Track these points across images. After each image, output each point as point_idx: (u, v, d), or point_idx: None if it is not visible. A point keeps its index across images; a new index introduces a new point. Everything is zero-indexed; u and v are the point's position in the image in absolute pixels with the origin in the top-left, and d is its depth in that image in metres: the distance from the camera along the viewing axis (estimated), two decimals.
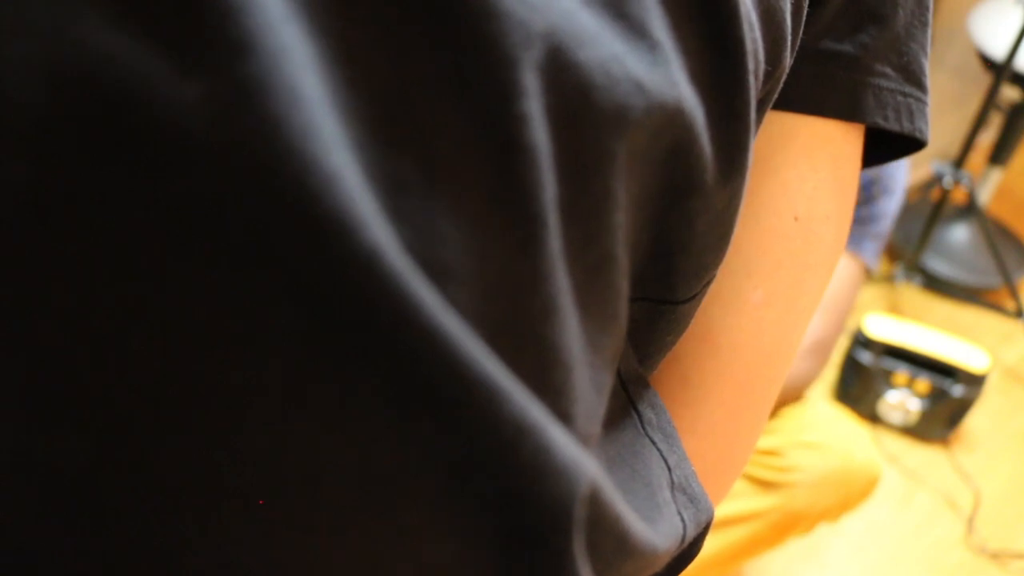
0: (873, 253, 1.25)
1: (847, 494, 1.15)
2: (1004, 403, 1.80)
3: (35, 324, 0.22)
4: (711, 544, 1.14)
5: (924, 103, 0.39)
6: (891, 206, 1.26)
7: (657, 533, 0.32)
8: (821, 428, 1.17)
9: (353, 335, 0.23)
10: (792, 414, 1.19)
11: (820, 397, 1.73)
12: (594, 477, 0.27)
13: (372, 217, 0.22)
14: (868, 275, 1.29)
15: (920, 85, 0.39)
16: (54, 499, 0.23)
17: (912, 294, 2.00)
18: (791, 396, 1.19)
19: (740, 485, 1.15)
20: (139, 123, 0.21)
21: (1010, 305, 1.93)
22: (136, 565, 0.24)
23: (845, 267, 1.23)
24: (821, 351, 1.21)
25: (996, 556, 1.54)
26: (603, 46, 0.26)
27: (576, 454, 0.26)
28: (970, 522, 1.59)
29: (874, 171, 1.24)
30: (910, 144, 0.40)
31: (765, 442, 1.15)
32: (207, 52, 0.21)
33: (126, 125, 0.21)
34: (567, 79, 0.25)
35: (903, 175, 1.29)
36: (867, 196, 1.24)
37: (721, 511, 1.12)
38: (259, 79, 0.21)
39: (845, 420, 1.21)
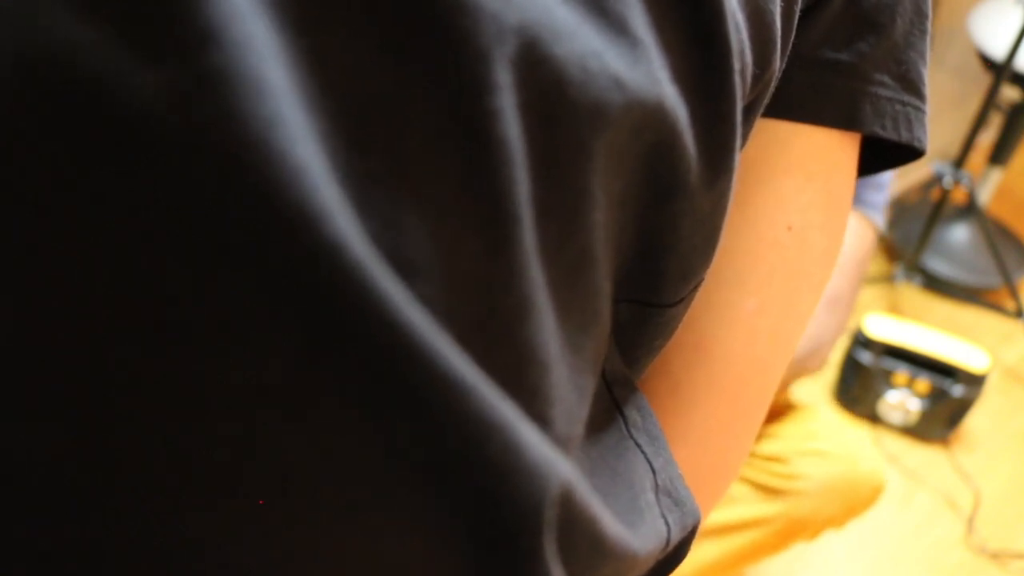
0: (880, 214, 1.23)
1: (852, 502, 1.15)
2: (1004, 403, 1.80)
3: (17, 317, 0.22)
4: (714, 549, 1.13)
5: (923, 112, 0.39)
6: (888, 175, 1.25)
7: (637, 536, 0.32)
8: (826, 436, 1.16)
9: (317, 327, 0.22)
10: (797, 421, 1.18)
11: (820, 397, 1.73)
12: (567, 478, 0.27)
13: (338, 209, 0.22)
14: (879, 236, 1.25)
15: (919, 94, 0.39)
16: (54, 499, 0.23)
17: (912, 294, 2.00)
18: (812, 362, 1.15)
19: (744, 491, 1.14)
20: (104, 111, 0.21)
21: (1010, 305, 1.93)
22: (136, 565, 0.24)
23: (858, 226, 1.20)
24: (841, 307, 1.17)
25: (996, 556, 1.54)
26: (581, 41, 0.25)
27: (548, 454, 0.26)
28: (970, 522, 1.59)
29: None
30: (908, 153, 0.40)
31: (770, 448, 1.15)
32: (171, 42, 0.21)
33: (92, 113, 0.21)
34: (542, 74, 0.25)
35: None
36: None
37: (724, 516, 1.12)
38: (223, 69, 0.21)
39: (850, 428, 1.21)
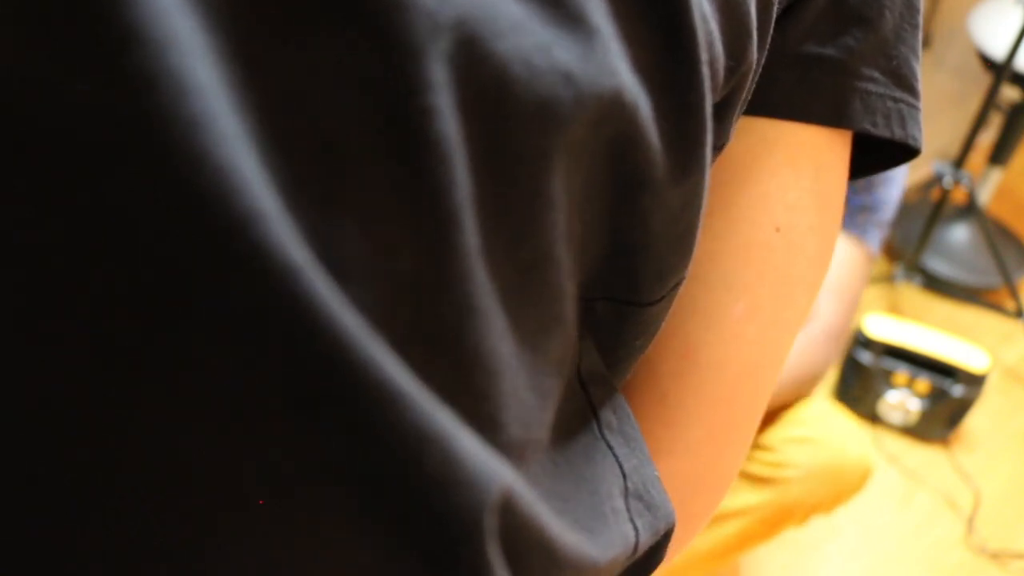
0: (876, 240, 1.24)
1: (839, 488, 1.15)
2: (1004, 403, 1.80)
3: None
4: (703, 539, 1.14)
5: (916, 108, 0.38)
6: (893, 193, 1.25)
7: (597, 543, 0.31)
8: (813, 423, 1.16)
9: (248, 332, 0.22)
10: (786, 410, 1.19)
11: (820, 397, 1.73)
12: (507, 486, 0.26)
13: (268, 211, 0.21)
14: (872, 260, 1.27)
15: (911, 90, 0.38)
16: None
17: (912, 294, 2.00)
18: (806, 389, 1.18)
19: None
20: (30, 126, 0.20)
21: (1010, 305, 1.93)
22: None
23: (851, 253, 1.21)
24: (834, 337, 1.19)
25: (996, 556, 1.54)
26: (526, 35, 0.24)
27: (487, 463, 0.25)
28: (970, 522, 1.59)
29: None
30: (903, 152, 0.39)
31: (757, 437, 1.15)
32: (92, 48, 0.20)
33: (16, 129, 0.20)
34: (482, 72, 0.24)
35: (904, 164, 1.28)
36: (867, 183, 1.23)
37: None
38: (144, 71, 0.20)
39: (837, 415, 1.20)
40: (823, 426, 1.16)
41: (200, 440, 0.23)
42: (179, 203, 0.21)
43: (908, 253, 1.97)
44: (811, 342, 1.16)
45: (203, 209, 0.21)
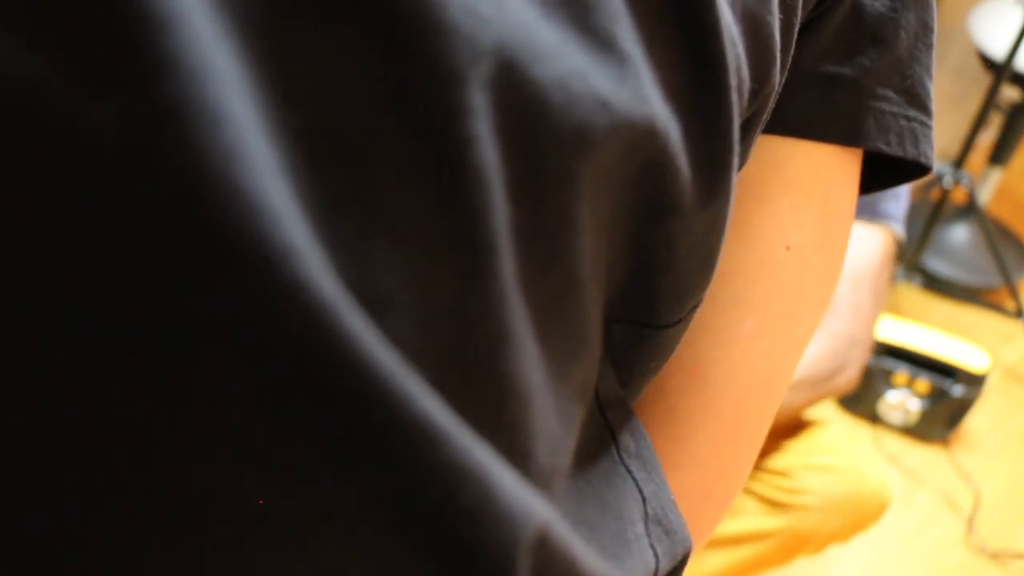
0: (897, 219, 1.20)
1: (856, 518, 1.14)
2: (1004, 403, 1.81)
3: None
4: (716, 561, 1.13)
5: (929, 127, 0.38)
6: (899, 208, 1.23)
7: (623, 570, 0.31)
8: (833, 450, 1.15)
9: (283, 370, 0.21)
10: (804, 434, 1.17)
11: (827, 407, 1.73)
12: (544, 521, 0.26)
13: (302, 245, 0.21)
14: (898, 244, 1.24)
15: (925, 109, 0.38)
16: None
17: (912, 294, 2.00)
18: (842, 380, 1.13)
19: (748, 504, 1.13)
20: (53, 146, 0.20)
21: (1010, 305, 1.93)
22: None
23: (869, 235, 1.17)
24: (861, 317, 1.14)
25: (996, 556, 1.54)
26: (563, 61, 0.24)
27: (523, 497, 0.25)
28: (970, 522, 1.59)
29: None
30: (913, 169, 0.39)
31: (776, 462, 1.14)
32: (122, 72, 0.19)
33: (39, 148, 0.20)
34: (520, 97, 0.24)
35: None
36: (872, 196, 1.22)
37: (728, 529, 1.11)
38: (178, 100, 0.19)
39: (858, 442, 1.19)
40: (842, 454, 1.15)
41: (233, 476, 0.23)
42: (210, 236, 0.20)
43: (908, 253, 1.97)
44: (850, 343, 1.13)
45: (235, 242, 0.20)
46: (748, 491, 1.13)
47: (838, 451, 1.15)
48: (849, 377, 1.15)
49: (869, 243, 1.18)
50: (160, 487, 0.23)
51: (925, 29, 0.37)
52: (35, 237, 0.20)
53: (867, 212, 1.18)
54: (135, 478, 0.23)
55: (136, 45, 0.19)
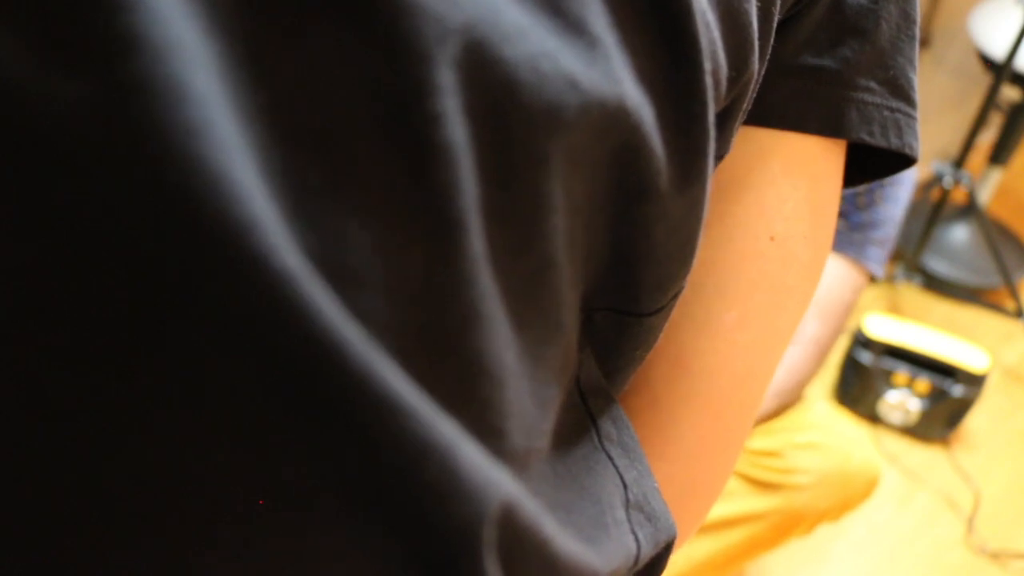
0: (878, 260, 1.23)
1: (847, 495, 1.15)
2: (1004, 403, 1.80)
3: None
4: (709, 545, 1.13)
5: (913, 118, 0.38)
6: (895, 212, 1.24)
7: (599, 554, 0.31)
8: (819, 429, 1.16)
9: (247, 342, 0.22)
10: (790, 415, 1.18)
11: (820, 397, 1.73)
12: (510, 497, 0.26)
13: (267, 220, 0.21)
14: (872, 280, 1.27)
15: (908, 100, 0.38)
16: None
17: (912, 294, 2.00)
18: (792, 398, 1.19)
19: (739, 486, 1.14)
20: (17, 122, 0.20)
21: (1010, 305, 1.93)
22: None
23: (846, 275, 1.21)
24: (818, 350, 1.20)
25: (996, 556, 1.54)
26: (532, 42, 0.24)
27: (488, 473, 0.25)
28: (970, 522, 1.59)
29: None
30: (900, 161, 0.39)
31: (763, 443, 1.15)
32: (89, 51, 0.20)
33: (6, 130, 0.20)
34: (489, 76, 0.24)
35: (909, 183, 1.27)
36: (868, 200, 1.22)
37: (719, 512, 1.12)
38: (143, 76, 0.20)
39: (843, 421, 1.21)
40: (829, 432, 1.16)
41: (197, 443, 0.23)
42: (172, 210, 0.21)
43: (908, 253, 1.97)
44: (794, 354, 1.16)
45: (196, 216, 0.21)
46: (737, 473, 1.14)
47: (825, 429, 1.17)
48: (799, 395, 1.19)
49: (847, 280, 1.21)
50: (122, 440, 0.23)
51: (907, 20, 0.37)
52: (3, 212, 0.21)
53: (854, 250, 1.21)
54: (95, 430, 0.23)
55: (103, 23, 0.20)
